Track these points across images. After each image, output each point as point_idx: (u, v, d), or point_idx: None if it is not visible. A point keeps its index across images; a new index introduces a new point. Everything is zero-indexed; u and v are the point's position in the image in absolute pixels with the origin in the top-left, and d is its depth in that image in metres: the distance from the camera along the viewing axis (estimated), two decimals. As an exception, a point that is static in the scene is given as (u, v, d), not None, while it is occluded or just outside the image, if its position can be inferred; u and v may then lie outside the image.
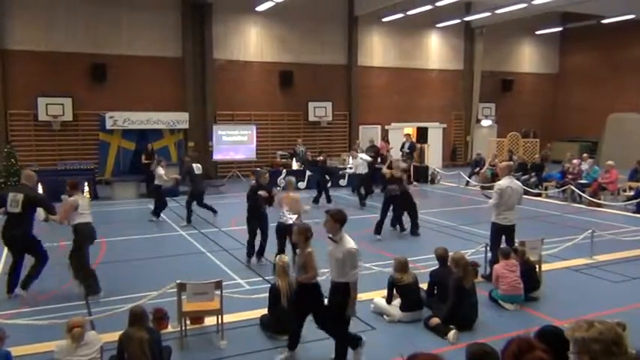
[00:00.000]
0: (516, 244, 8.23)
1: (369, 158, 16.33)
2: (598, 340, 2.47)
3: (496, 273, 7.49)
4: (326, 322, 5.80)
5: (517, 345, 2.59)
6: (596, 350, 2.45)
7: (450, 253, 7.21)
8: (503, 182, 8.41)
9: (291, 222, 8.57)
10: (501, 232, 8.46)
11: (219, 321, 6.33)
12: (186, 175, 13.43)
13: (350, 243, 5.39)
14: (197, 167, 13.15)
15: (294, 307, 6.00)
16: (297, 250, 5.95)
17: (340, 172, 18.28)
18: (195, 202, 12.99)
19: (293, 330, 5.90)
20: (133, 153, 19.27)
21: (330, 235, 5.50)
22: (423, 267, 8.57)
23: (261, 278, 8.63)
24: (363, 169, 15.85)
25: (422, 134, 22.57)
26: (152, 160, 17.30)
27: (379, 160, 19.51)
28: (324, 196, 15.50)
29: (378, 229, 11.47)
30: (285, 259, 6.64)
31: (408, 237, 11.85)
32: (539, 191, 17.29)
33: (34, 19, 18.97)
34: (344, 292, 5.46)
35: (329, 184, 16.02)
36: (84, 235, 7.67)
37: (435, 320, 6.58)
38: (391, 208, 11.67)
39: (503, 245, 8.21)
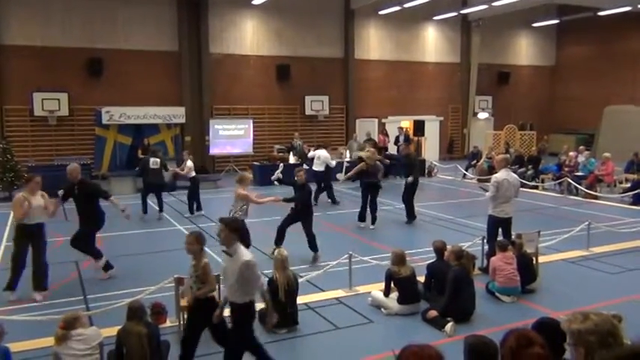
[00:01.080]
0: (513, 237, 8.27)
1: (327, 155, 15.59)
2: (594, 332, 2.48)
3: (493, 265, 7.52)
4: (226, 339, 5.29)
5: (516, 339, 2.60)
6: (592, 342, 2.47)
7: (448, 247, 7.24)
8: (500, 175, 8.45)
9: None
10: (498, 225, 8.50)
11: (218, 315, 6.33)
12: (142, 168, 13.62)
13: (245, 255, 4.88)
14: (153, 162, 13.25)
15: (188, 323, 5.48)
16: (192, 261, 5.35)
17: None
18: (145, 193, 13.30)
19: (186, 348, 5.29)
20: (130, 148, 19.24)
21: (224, 248, 4.95)
22: (420, 260, 8.59)
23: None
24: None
25: (419, 127, 22.58)
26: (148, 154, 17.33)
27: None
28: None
29: (361, 216, 11.89)
30: (284, 253, 6.65)
31: (406, 229, 11.88)
32: (535, 184, 17.32)
33: (29, 15, 18.87)
34: (244, 313, 5.01)
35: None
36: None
37: (433, 313, 6.60)
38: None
39: (500, 238, 8.25)
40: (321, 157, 15.06)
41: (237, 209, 8.53)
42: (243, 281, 4.86)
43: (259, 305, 6.66)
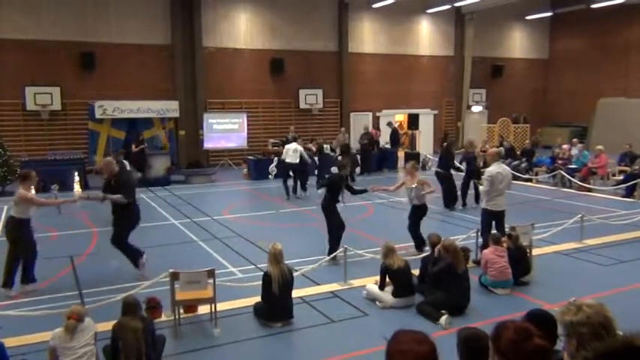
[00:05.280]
0: (507, 229, 8.30)
1: (301, 147, 15.25)
2: (586, 323, 2.50)
3: (485, 259, 7.54)
4: None
5: (515, 332, 2.60)
6: (584, 333, 2.48)
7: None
8: (493, 168, 8.50)
9: None
10: (492, 218, 8.55)
11: (213, 309, 6.35)
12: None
13: None
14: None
15: None
16: None
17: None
18: None
19: None
20: (124, 142, 19.17)
21: None
22: (414, 254, 8.61)
23: (253, 266, 8.66)
24: (294, 159, 14.87)
25: (413, 121, 22.55)
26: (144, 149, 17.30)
27: (372, 147, 20.04)
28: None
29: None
30: (278, 247, 6.65)
31: (401, 223, 11.88)
32: (529, 177, 17.38)
33: (21, 8, 18.68)
34: None
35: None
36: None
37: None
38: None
39: (494, 231, 8.28)
40: (297, 150, 14.95)
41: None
42: None
43: (255, 299, 6.70)
